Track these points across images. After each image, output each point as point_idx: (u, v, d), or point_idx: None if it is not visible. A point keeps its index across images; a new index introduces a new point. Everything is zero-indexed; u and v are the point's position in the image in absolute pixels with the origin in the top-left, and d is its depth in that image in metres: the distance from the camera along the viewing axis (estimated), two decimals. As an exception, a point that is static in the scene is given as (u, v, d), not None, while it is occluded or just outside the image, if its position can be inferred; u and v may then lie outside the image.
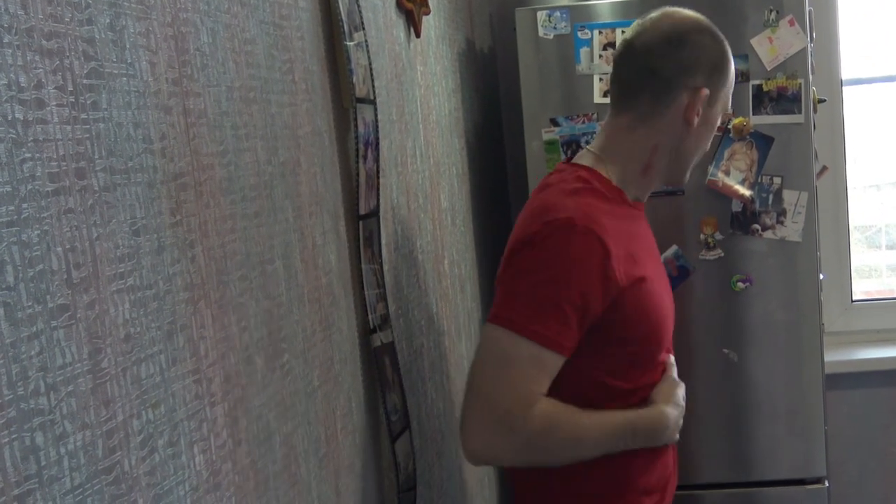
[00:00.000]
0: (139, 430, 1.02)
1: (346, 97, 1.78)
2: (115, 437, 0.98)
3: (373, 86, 1.89)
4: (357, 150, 1.78)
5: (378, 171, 1.90)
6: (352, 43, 1.79)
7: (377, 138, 1.89)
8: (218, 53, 1.32)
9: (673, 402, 1.86)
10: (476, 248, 2.93)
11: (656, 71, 1.83)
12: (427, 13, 2.45)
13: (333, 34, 1.77)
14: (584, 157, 1.97)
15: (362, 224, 1.80)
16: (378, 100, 1.99)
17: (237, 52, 1.38)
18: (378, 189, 1.90)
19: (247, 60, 1.41)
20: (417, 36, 2.39)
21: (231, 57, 1.35)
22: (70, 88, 0.97)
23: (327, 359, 1.61)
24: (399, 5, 2.28)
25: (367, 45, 1.87)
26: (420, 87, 2.42)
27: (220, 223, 1.27)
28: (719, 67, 1.86)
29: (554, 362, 1.72)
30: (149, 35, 1.13)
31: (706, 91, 1.84)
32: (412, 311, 2.18)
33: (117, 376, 0.99)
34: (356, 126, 1.77)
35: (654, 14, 1.89)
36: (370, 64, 1.88)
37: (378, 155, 1.90)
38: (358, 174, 1.78)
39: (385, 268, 1.97)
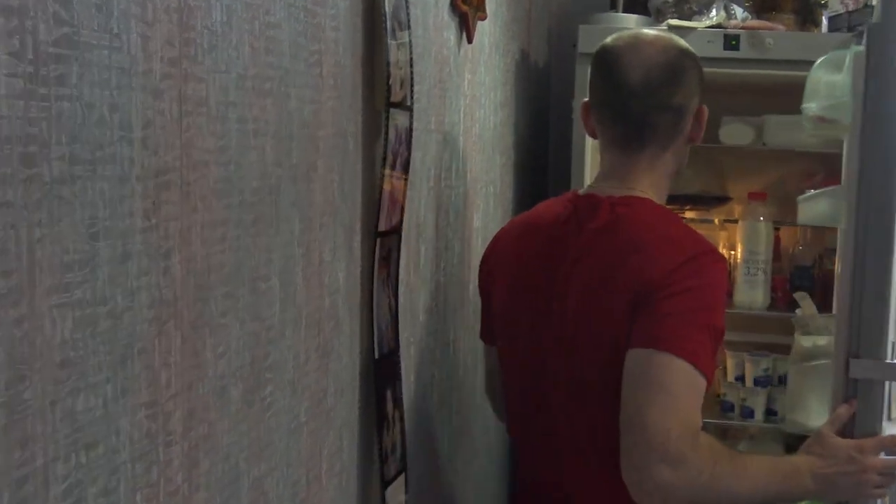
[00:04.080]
0: (64, 476, 0.85)
1: (379, 100, 1.60)
2: (27, 486, 0.80)
3: (411, 91, 1.70)
4: (385, 159, 1.59)
5: (406, 185, 1.72)
6: (393, 41, 1.61)
7: (409, 148, 1.71)
8: (232, 35, 1.14)
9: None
10: (505, 274, 2.74)
11: (667, 104, 1.86)
12: (483, 18, 2.27)
13: (375, 29, 1.59)
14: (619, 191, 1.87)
15: (380, 241, 1.62)
16: (416, 106, 1.81)
17: (256, 35, 1.20)
18: (403, 204, 1.72)
19: (266, 46, 1.23)
20: (469, 41, 2.21)
21: (248, 40, 1.18)
22: (29, 56, 0.79)
23: (320, 390, 1.43)
24: (454, 6, 2.10)
25: (410, 46, 1.69)
26: (466, 96, 2.24)
27: (208, 230, 1.09)
28: (703, 82, 1.92)
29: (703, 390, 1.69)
30: (145, 3, 0.96)
31: (705, 108, 1.91)
32: (426, 339, 2.00)
33: (43, 410, 0.82)
34: (386, 133, 1.59)
35: (629, 41, 1.88)
36: (411, 66, 1.70)
37: (408, 167, 1.72)
38: (382, 186, 1.60)
39: (401, 290, 1.79)
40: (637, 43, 1.88)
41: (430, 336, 2.02)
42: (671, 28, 2.70)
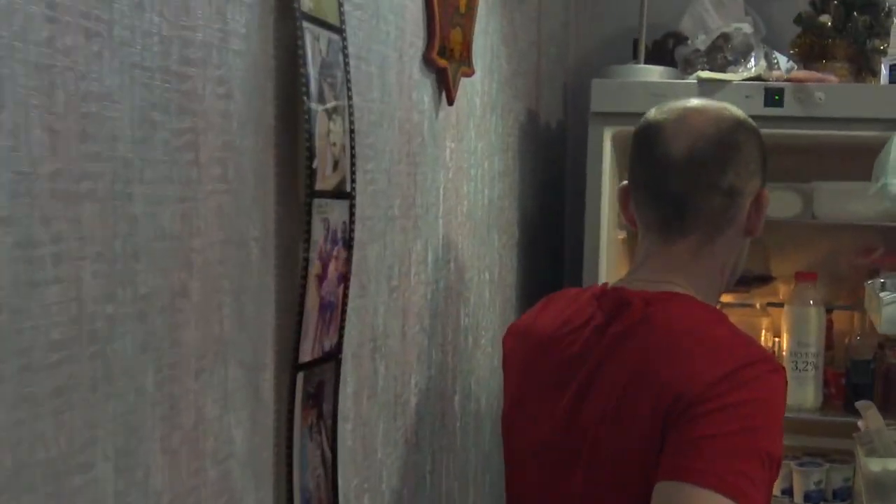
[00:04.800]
0: None
1: (301, 187, 1.20)
2: None
3: (352, 171, 1.31)
4: (307, 265, 1.19)
5: (346, 294, 1.32)
6: (321, 108, 1.21)
7: (350, 247, 1.31)
8: (3, 115, 0.74)
9: None
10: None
11: (716, 184, 1.53)
12: (469, 74, 1.88)
13: (296, 92, 1.20)
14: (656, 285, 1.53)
15: (304, 376, 1.22)
16: (370, 189, 1.43)
17: (59, 113, 0.80)
18: (343, 318, 1.32)
19: (83, 129, 0.83)
20: (450, 103, 1.81)
21: (40, 121, 0.78)
22: None
23: None
24: (427, 61, 1.70)
25: (350, 113, 1.30)
26: (448, 169, 1.84)
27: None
28: (766, 160, 1.61)
29: None
30: None
31: (766, 192, 1.58)
32: (389, 478, 1.59)
33: None
34: (308, 232, 1.19)
35: (675, 111, 1.56)
36: (352, 140, 1.31)
37: (348, 271, 1.32)
38: (304, 302, 1.20)
39: (346, 428, 1.39)
40: (684, 113, 1.56)
41: (396, 473, 1.61)
42: (701, 81, 2.28)
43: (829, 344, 2.65)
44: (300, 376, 1.21)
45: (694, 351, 1.43)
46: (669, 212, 1.54)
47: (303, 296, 1.20)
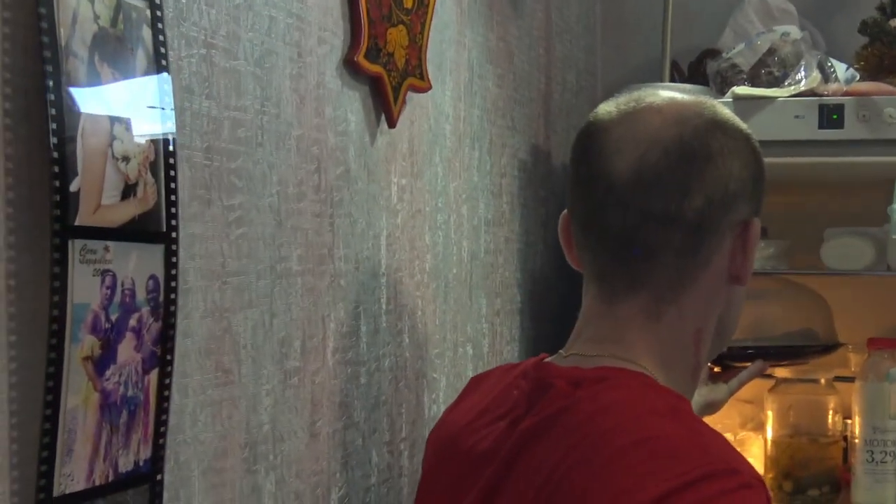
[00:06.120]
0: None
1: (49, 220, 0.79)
2: None
3: (170, 201, 0.89)
4: (59, 342, 0.77)
5: (165, 384, 0.89)
6: (88, 103, 0.80)
7: (171, 314, 0.89)
8: None
9: None
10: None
11: (677, 214, 1.09)
12: (422, 89, 1.45)
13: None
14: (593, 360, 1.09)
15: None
16: (236, 233, 1.01)
17: None
18: (162, 420, 0.89)
19: None
20: (391, 125, 1.38)
21: None
22: None
23: None
24: (351, 66, 1.28)
25: (170, 118, 0.88)
26: (395, 213, 1.42)
27: None
28: (760, 179, 1.16)
29: None
30: None
31: (757, 223, 1.14)
32: None
33: None
34: (62, 289, 0.77)
35: (626, 107, 1.10)
36: (170, 158, 0.89)
37: (171, 348, 0.89)
38: (56, 402, 0.77)
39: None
40: (636, 110, 1.10)
41: None
42: (737, 100, 1.82)
43: (914, 426, 2.16)
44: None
45: (627, 456, 0.99)
46: (610, 257, 1.11)
47: (55, 391, 0.77)
